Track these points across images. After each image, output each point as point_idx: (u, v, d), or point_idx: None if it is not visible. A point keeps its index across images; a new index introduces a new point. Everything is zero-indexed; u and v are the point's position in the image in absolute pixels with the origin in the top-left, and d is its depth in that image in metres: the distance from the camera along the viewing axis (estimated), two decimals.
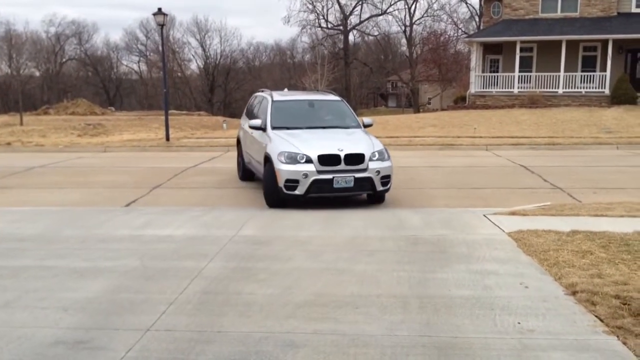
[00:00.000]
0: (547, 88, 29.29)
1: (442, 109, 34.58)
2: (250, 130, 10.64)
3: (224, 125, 28.12)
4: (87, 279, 5.30)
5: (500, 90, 30.31)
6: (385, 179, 9.09)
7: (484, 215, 7.87)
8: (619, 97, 27.49)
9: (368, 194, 9.26)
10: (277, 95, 10.85)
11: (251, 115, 11.32)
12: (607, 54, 28.26)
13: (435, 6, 57.75)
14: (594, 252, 5.84)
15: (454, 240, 6.55)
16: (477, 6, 58.46)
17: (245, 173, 11.70)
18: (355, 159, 8.86)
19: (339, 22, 59.41)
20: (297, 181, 8.66)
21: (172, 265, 5.71)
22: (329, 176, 8.69)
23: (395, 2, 58.24)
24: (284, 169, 8.71)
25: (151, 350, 3.82)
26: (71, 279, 5.30)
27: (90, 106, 42.19)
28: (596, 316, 4.24)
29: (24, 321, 4.32)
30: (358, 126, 10.35)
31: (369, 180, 8.89)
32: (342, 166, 8.78)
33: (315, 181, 8.66)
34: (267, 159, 9.14)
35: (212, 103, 69.00)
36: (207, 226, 7.47)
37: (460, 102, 33.46)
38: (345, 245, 6.42)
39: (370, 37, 65.67)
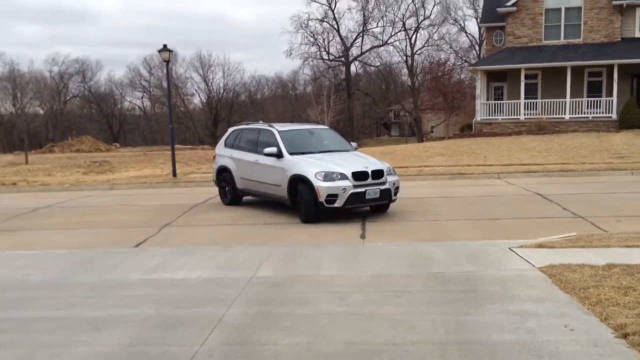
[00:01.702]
0: (553, 114, 29.17)
1: (449, 137, 34.42)
2: (254, 159, 12.04)
3: None
4: (102, 330, 4.98)
5: (506, 117, 30.19)
6: (397, 190, 11.20)
7: (510, 249, 7.55)
8: (627, 122, 27.34)
9: (371, 206, 11.17)
10: (279, 127, 12.23)
11: (241, 147, 12.73)
12: (613, 79, 28.21)
13: (435, 36, 58.07)
14: (636, 287, 5.51)
15: (484, 278, 6.23)
16: (476, 35, 59.09)
17: (234, 198, 13.02)
18: (379, 174, 10.77)
19: (341, 54, 59.92)
20: (336, 195, 10.30)
21: (190, 313, 5.39)
22: (362, 189, 10.46)
23: (396, 33, 58.91)
24: (325, 186, 10.29)
25: None
26: (85, 331, 4.98)
27: (95, 143, 42.22)
28: None
29: None
30: (352, 149, 12.40)
31: (388, 191, 10.87)
32: (370, 180, 10.60)
33: (352, 194, 10.35)
34: (300, 180, 10.65)
35: (215, 137, 69.03)
36: (223, 268, 7.15)
37: (467, 130, 33.33)
38: (370, 286, 6.10)
39: (372, 68, 66.08)
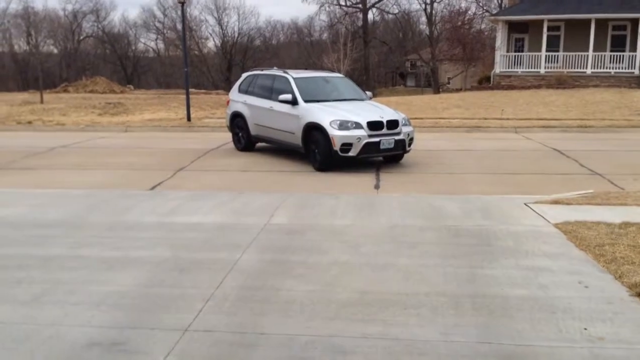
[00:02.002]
0: (574, 68, 28.56)
1: (466, 89, 33.90)
2: (268, 105, 11.96)
3: None
4: (118, 270, 5.05)
5: (526, 70, 29.61)
6: (411, 141, 11.14)
7: (525, 204, 7.50)
8: None
9: (385, 156, 11.16)
10: (294, 73, 12.11)
11: (256, 93, 12.61)
12: (638, 33, 27.41)
13: None
14: None
15: (498, 232, 6.21)
16: None
17: (248, 144, 13.00)
18: (394, 124, 10.70)
19: (358, 0, 58.49)
20: (350, 144, 10.26)
21: (204, 257, 5.44)
22: (377, 139, 10.41)
23: None
24: (339, 134, 10.23)
25: (192, 355, 3.57)
26: (101, 270, 5.06)
27: (109, 84, 42.08)
28: None
29: (55, 319, 4.08)
30: (367, 98, 12.29)
31: (402, 141, 10.84)
32: (385, 130, 10.54)
33: (366, 144, 10.30)
34: (315, 128, 10.58)
35: (229, 81, 68.55)
36: (237, 213, 7.19)
37: (485, 82, 32.78)
38: (384, 237, 6.11)
39: (390, 16, 64.66)
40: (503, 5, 48.96)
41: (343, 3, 58.22)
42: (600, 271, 4.95)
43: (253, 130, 12.70)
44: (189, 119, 20.07)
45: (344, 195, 8.35)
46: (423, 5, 58.89)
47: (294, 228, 6.49)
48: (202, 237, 6.10)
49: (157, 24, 75.86)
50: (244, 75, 13.66)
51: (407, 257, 5.44)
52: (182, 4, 20.49)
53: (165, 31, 74.86)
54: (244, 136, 13.05)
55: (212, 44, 76.15)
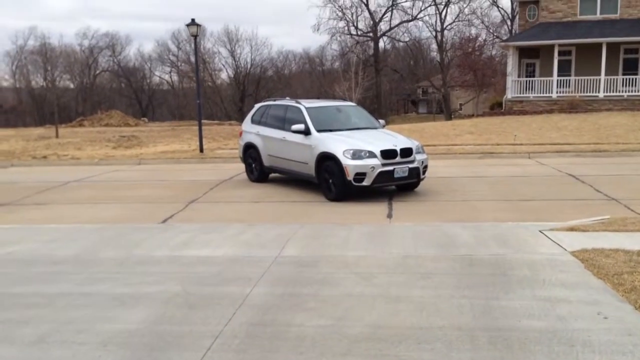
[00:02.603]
0: (587, 92, 28.42)
1: (478, 115, 33.86)
2: (281, 135, 11.91)
3: None
4: (128, 307, 4.99)
5: (538, 95, 29.52)
6: (425, 169, 11.06)
7: (541, 232, 7.37)
8: None
9: (399, 185, 11.00)
10: (307, 103, 12.06)
11: (268, 123, 12.59)
12: None
13: (466, 11, 56.89)
14: None
15: (513, 261, 6.09)
16: (509, 10, 57.61)
17: (261, 175, 12.97)
18: (407, 152, 10.62)
19: (369, 29, 59.13)
20: (364, 174, 10.16)
21: (215, 291, 5.37)
22: (391, 168, 10.31)
23: (426, 8, 57.81)
24: (353, 164, 10.15)
25: None
26: (111, 307, 5.01)
27: (123, 117, 42.64)
28: None
29: None
30: (380, 126, 12.19)
31: (417, 169, 10.75)
32: (399, 159, 10.47)
33: (380, 173, 10.20)
34: (328, 158, 10.54)
35: (242, 112, 69.12)
36: (248, 245, 7.13)
37: (497, 108, 32.70)
38: (397, 267, 6.01)
39: (401, 43, 65.15)
40: (513, 31, 49.18)
41: (354, 32, 58.86)
42: (620, 301, 4.81)
43: (266, 161, 12.64)
44: (201, 150, 20.19)
45: (356, 225, 8.28)
46: (434, 33, 59.31)
47: (305, 260, 6.41)
48: (213, 271, 6.04)
49: (172, 57, 77.10)
50: (257, 106, 13.67)
51: (420, 288, 5.33)
52: (195, 37, 20.78)
53: (179, 64, 75.96)
54: (257, 167, 12.99)
55: (225, 75, 77.15)
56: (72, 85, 73.92)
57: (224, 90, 75.26)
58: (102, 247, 7.21)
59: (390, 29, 60.13)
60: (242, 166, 13.86)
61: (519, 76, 30.88)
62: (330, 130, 11.20)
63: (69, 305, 5.08)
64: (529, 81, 30.38)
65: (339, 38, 59.21)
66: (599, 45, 27.72)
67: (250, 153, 13.16)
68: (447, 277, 5.65)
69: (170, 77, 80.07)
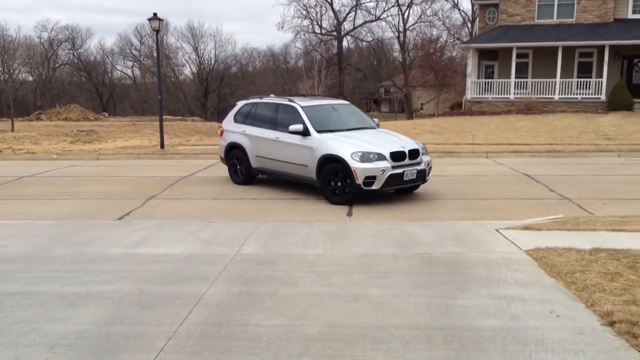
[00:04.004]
0: (543, 94, 29.09)
1: (438, 115, 34.30)
2: (273, 136, 11.21)
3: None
4: (78, 307, 4.84)
5: (496, 96, 30.06)
6: (429, 170, 10.73)
7: (497, 230, 7.48)
8: (615, 103, 27.31)
9: (404, 188, 10.51)
10: (301, 102, 11.35)
11: (257, 123, 11.80)
12: (604, 60, 28.10)
13: (428, 12, 57.40)
14: (622, 273, 5.46)
15: (470, 260, 6.15)
16: (469, 12, 58.51)
17: (248, 177, 12.12)
18: (415, 154, 10.29)
19: (333, 28, 59.21)
20: (374, 177, 9.70)
21: (170, 290, 5.27)
22: (400, 170, 9.91)
23: (389, 9, 58.52)
24: (362, 167, 9.67)
25: None
26: (60, 307, 4.85)
27: (83, 112, 41.60)
28: None
29: None
30: (375, 125, 11.67)
31: (424, 172, 10.43)
32: (407, 161, 10.08)
33: (390, 176, 9.77)
34: (333, 160, 10.00)
35: (206, 108, 68.54)
36: (207, 243, 7.03)
37: (457, 108, 33.20)
38: (356, 266, 6.01)
39: (364, 43, 65.44)
40: (474, 33, 49.97)
41: (318, 31, 58.82)
42: (572, 299, 4.90)
43: (254, 163, 11.85)
44: (162, 146, 19.87)
45: (316, 223, 8.25)
46: (396, 33, 59.67)
47: (264, 258, 6.36)
48: (169, 269, 5.93)
49: (134, 52, 75.74)
50: (240, 103, 12.77)
51: (379, 287, 5.33)
52: (157, 32, 20.44)
53: (141, 58, 74.70)
54: (242, 169, 12.17)
55: (188, 71, 76.18)
56: (30, 78, 71.87)
57: (187, 86, 74.31)
58: (54, 244, 7.00)
59: (354, 28, 60.36)
60: (203, 162, 13.72)
61: (478, 77, 31.39)
62: (331, 131, 10.63)
63: (17, 305, 4.90)
64: (488, 82, 30.92)
65: (303, 36, 59.16)
66: (555, 48, 28.39)
67: (234, 154, 12.31)
68: (406, 276, 5.67)
69: (133, 71, 78.71)
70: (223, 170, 13.14)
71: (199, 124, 38.25)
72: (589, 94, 28.66)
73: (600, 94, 28.27)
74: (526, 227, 7.65)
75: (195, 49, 73.23)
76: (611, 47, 27.85)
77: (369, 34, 63.44)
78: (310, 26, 57.99)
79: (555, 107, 28.45)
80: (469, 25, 59.51)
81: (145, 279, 5.59)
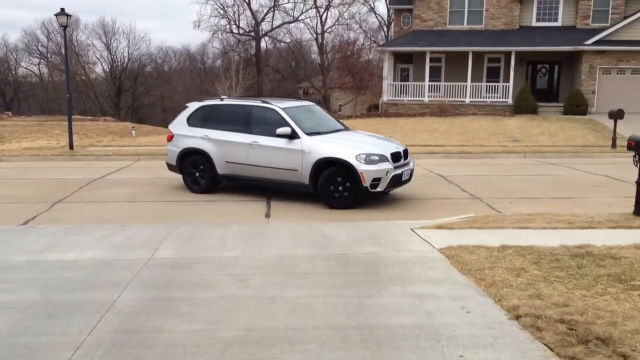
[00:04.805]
0: (455, 97, 30.23)
1: (356, 116, 34.86)
2: (249, 140, 10.49)
3: (133, 132, 26.88)
4: None
5: (412, 98, 30.93)
6: (412, 171, 10.76)
7: (412, 230, 7.68)
8: (521, 107, 28.78)
9: (394, 188, 10.33)
10: (279, 103, 10.84)
11: (222, 126, 10.91)
12: (510, 65, 29.58)
13: (345, 15, 58.24)
14: (527, 269, 5.74)
15: (386, 259, 6.28)
16: (385, 16, 59.86)
17: (212, 185, 11.16)
18: (406, 154, 10.50)
19: (251, 29, 58.82)
20: (379, 179, 9.61)
21: (79, 298, 5.03)
22: (400, 171, 9.98)
23: (307, 10, 58.63)
24: (369, 169, 9.55)
25: None
26: None
27: None
28: (545, 344, 4.05)
29: None
30: (347, 128, 11.66)
31: (412, 171, 10.63)
32: (402, 161, 10.19)
33: (393, 177, 9.76)
34: (333, 163, 9.74)
35: (119, 108, 66.25)
36: (119, 248, 6.78)
37: (374, 110, 33.87)
38: (274, 268, 5.98)
39: (282, 44, 65.46)
40: (389, 37, 51.19)
41: (236, 31, 58.26)
42: (481, 295, 5.11)
43: (222, 169, 10.91)
44: (71, 147, 19.01)
45: (233, 225, 8.16)
46: (314, 35, 60.17)
47: (179, 262, 6.21)
48: (78, 276, 5.66)
49: (41, 48, 71.96)
50: (194, 105, 11.61)
51: (296, 288, 5.33)
52: (65, 27, 19.51)
53: (49, 55, 71.07)
54: (205, 176, 11.13)
55: (100, 69, 73.28)
56: None
57: (99, 85, 71.48)
58: None
59: (272, 29, 60.23)
60: (115, 164, 13.24)
61: (394, 80, 32.18)
62: (317, 133, 10.35)
63: None
64: (404, 85, 31.77)
65: (220, 36, 58.36)
66: (466, 53, 29.58)
67: (192, 160, 11.20)
68: (323, 276, 5.71)
69: (39, 69, 74.74)
70: (137, 172, 12.73)
71: (112, 124, 36.95)
72: (497, 98, 30.06)
73: (508, 98, 29.70)
74: (439, 226, 7.90)
75: (108, 47, 70.65)
76: (517, 53, 29.34)
77: (287, 35, 63.56)
78: (228, 26, 57.39)
79: (467, 109, 29.65)
80: (385, 29, 60.89)
81: (52, 287, 5.32)
